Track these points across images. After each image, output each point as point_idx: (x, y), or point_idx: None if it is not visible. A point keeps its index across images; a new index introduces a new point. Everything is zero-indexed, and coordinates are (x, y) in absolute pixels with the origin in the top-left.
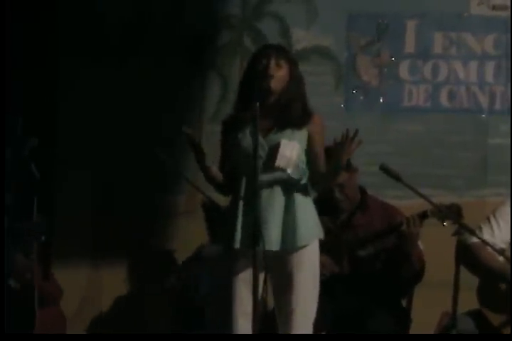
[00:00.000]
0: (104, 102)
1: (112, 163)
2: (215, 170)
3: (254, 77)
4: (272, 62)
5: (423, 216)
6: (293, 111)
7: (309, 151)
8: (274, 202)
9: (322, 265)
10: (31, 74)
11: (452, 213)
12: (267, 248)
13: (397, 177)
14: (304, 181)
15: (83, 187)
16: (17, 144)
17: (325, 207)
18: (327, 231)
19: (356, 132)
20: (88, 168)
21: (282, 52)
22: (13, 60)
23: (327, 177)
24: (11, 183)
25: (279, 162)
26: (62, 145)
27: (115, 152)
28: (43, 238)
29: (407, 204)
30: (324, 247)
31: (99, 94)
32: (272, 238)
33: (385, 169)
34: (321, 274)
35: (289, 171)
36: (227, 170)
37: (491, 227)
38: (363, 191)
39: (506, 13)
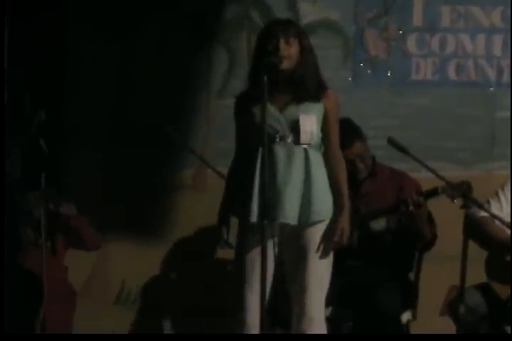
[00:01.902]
0: (111, 77)
1: (121, 138)
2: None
3: (265, 55)
4: (282, 42)
5: (433, 193)
6: (309, 85)
7: (323, 127)
8: (292, 176)
9: None
10: (39, 49)
11: (463, 190)
12: (285, 221)
13: (404, 151)
14: (319, 156)
15: (92, 163)
16: (25, 118)
17: None
18: None
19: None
20: (96, 143)
21: (290, 27)
22: (21, 34)
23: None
24: (17, 158)
25: (303, 138)
26: (71, 119)
27: (123, 127)
28: (51, 206)
29: (415, 177)
30: None
31: (107, 69)
32: (290, 211)
33: (392, 142)
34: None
35: (305, 146)
36: (242, 144)
37: (500, 201)
38: (373, 158)
39: None
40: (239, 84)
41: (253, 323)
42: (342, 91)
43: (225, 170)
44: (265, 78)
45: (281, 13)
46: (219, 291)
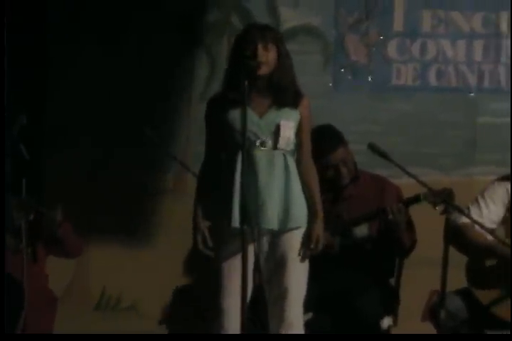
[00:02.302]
0: (92, 81)
1: (101, 142)
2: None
3: (243, 60)
4: (260, 47)
5: (415, 200)
6: (288, 91)
7: (297, 134)
8: (274, 181)
9: None
10: (20, 53)
11: (445, 197)
12: (267, 226)
13: (385, 156)
14: (294, 162)
15: (72, 167)
16: (5, 123)
17: (325, 184)
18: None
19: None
20: (78, 147)
21: (267, 33)
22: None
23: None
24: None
25: (281, 143)
26: (52, 124)
27: (104, 131)
28: (31, 216)
29: (395, 183)
30: None
31: (88, 72)
32: (272, 217)
33: (373, 148)
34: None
35: (283, 151)
36: (215, 147)
37: (480, 208)
38: (355, 163)
39: None
40: (220, 90)
41: (232, 328)
42: (322, 96)
43: None
44: (246, 83)
45: (262, 18)
46: (200, 294)
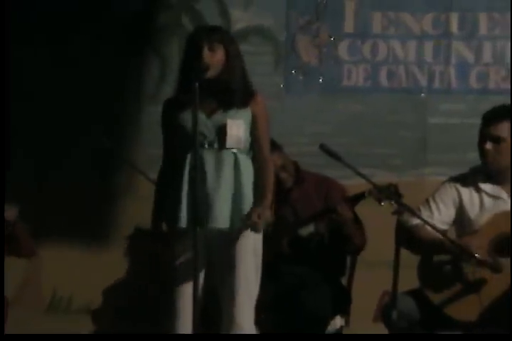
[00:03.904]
0: (42, 83)
1: (53, 144)
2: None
3: (191, 63)
4: (205, 50)
5: (360, 197)
6: (235, 91)
7: (252, 132)
8: (222, 181)
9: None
10: None
11: (390, 193)
12: (215, 225)
13: (336, 157)
14: (248, 160)
15: (26, 168)
16: None
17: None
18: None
19: None
20: (30, 151)
21: (214, 34)
22: None
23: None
24: None
25: (229, 142)
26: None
27: (55, 132)
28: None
29: (347, 184)
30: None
31: (38, 74)
32: (221, 216)
33: (324, 149)
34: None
35: (235, 150)
36: (170, 149)
37: (430, 209)
38: (296, 165)
39: None
40: (171, 90)
41: (184, 329)
42: (274, 97)
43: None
44: (197, 85)
45: (213, 19)
46: (151, 296)
